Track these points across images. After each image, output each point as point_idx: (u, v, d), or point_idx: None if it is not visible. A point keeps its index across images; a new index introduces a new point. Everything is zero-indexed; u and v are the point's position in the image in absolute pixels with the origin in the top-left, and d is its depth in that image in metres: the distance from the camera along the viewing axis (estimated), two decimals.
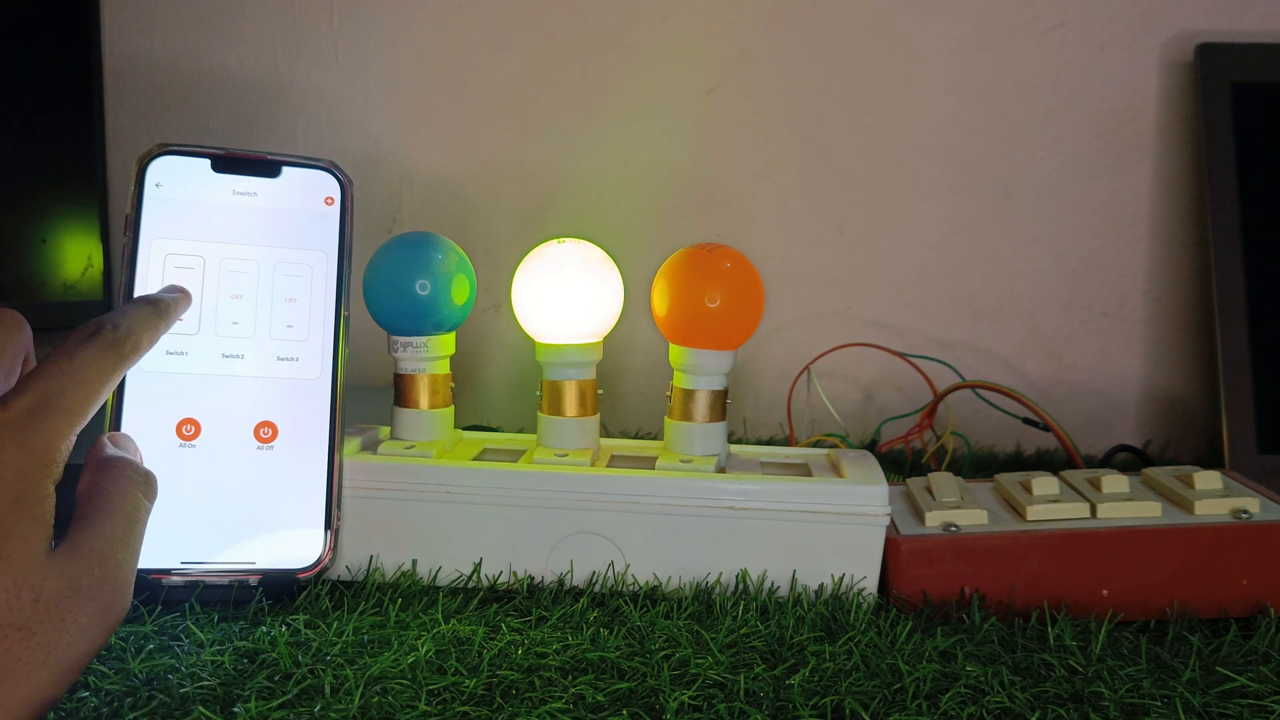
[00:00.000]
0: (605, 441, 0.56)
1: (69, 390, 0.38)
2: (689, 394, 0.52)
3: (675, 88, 0.81)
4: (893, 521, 0.49)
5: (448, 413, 0.53)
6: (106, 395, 0.39)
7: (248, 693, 0.37)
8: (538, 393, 0.53)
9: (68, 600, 0.34)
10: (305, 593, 0.47)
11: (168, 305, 0.45)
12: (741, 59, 0.80)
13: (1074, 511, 0.49)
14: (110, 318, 0.41)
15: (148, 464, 0.45)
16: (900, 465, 0.71)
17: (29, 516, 0.35)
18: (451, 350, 0.53)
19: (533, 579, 0.50)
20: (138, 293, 0.47)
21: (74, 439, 0.37)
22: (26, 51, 0.71)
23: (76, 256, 0.73)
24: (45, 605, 0.34)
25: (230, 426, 0.47)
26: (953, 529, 0.49)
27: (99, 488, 0.39)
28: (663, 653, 0.41)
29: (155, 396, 0.46)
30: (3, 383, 0.40)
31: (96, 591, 0.35)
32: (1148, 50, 0.79)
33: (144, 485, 0.40)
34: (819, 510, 0.48)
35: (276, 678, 0.39)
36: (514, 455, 0.53)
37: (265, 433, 0.47)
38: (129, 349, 0.41)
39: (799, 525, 0.48)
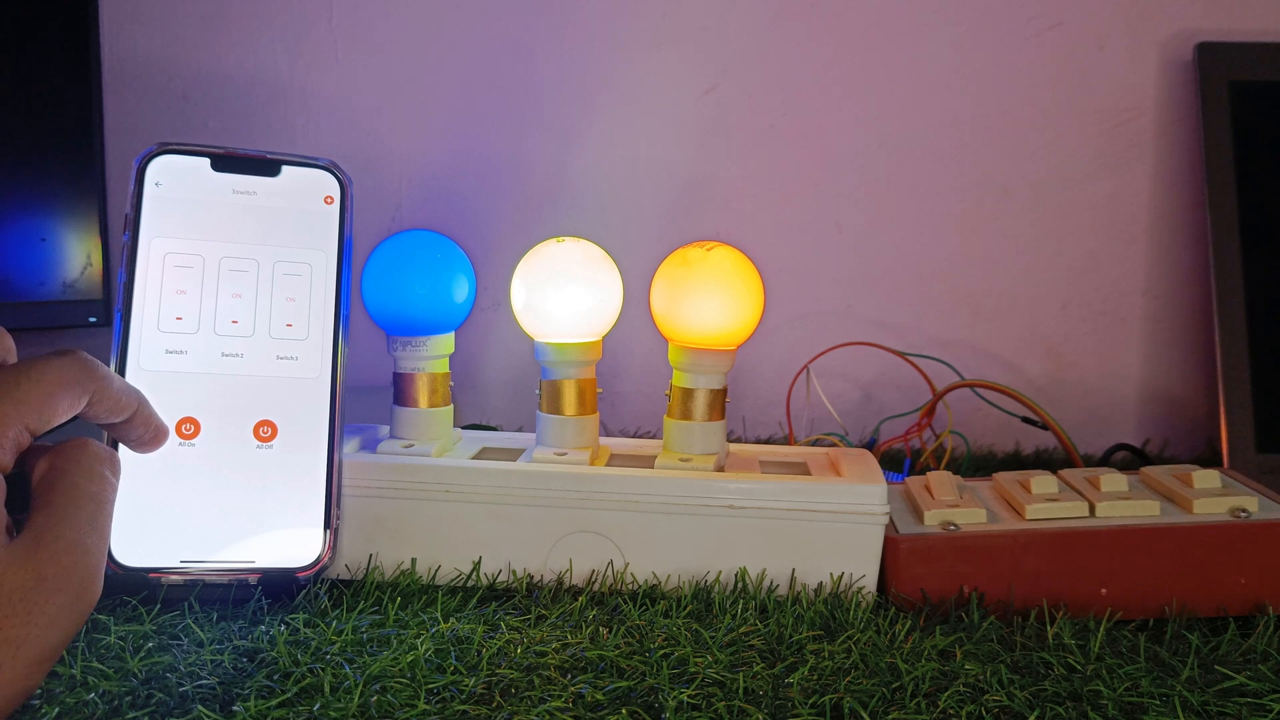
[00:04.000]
0: (605, 440, 0.56)
1: (23, 385, 0.36)
2: (688, 393, 0.52)
3: (675, 88, 0.81)
4: (891, 520, 0.49)
5: (447, 411, 0.53)
6: (67, 405, 0.38)
7: (247, 691, 0.37)
8: (537, 392, 0.53)
9: (33, 592, 0.33)
10: (304, 591, 0.47)
11: (135, 398, 0.42)
12: (741, 59, 0.80)
13: (1073, 510, 0.49)
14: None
15: (148, 462, 0.45)
16: (899, 464, 0.71)
17: None
18: (450, 349, 0.53)
19: (532, 577, 0.50)
20: (137, 291, 0.47)
21: (24, 433, 0.36)
22: (26, 50, 0.71)
23: (76, 255, 0.73)
24: (7, 598, 0.33)
25: (230, 425, 0.47)
26: (951, 528, 0.49)
27: (59, 470, 0.37)
28: (662, 651, 0.41)
29: (155, 395, 0.46)
30: None
31: (64, 580, 0.34)
32: (1146, 49, 0.79)
33: (109, 463, 0.39)
34: (818, 509, 0.48)
35: (276, 676, 0.39)
36: (513, 454, 0.53)
37: (265, 431, 0.47)
38: (100, 372, 0.39)
39: (798, 524, 0.48)
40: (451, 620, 0.44)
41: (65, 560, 0.34)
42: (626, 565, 0.49)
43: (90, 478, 0.37)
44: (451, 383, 0.54)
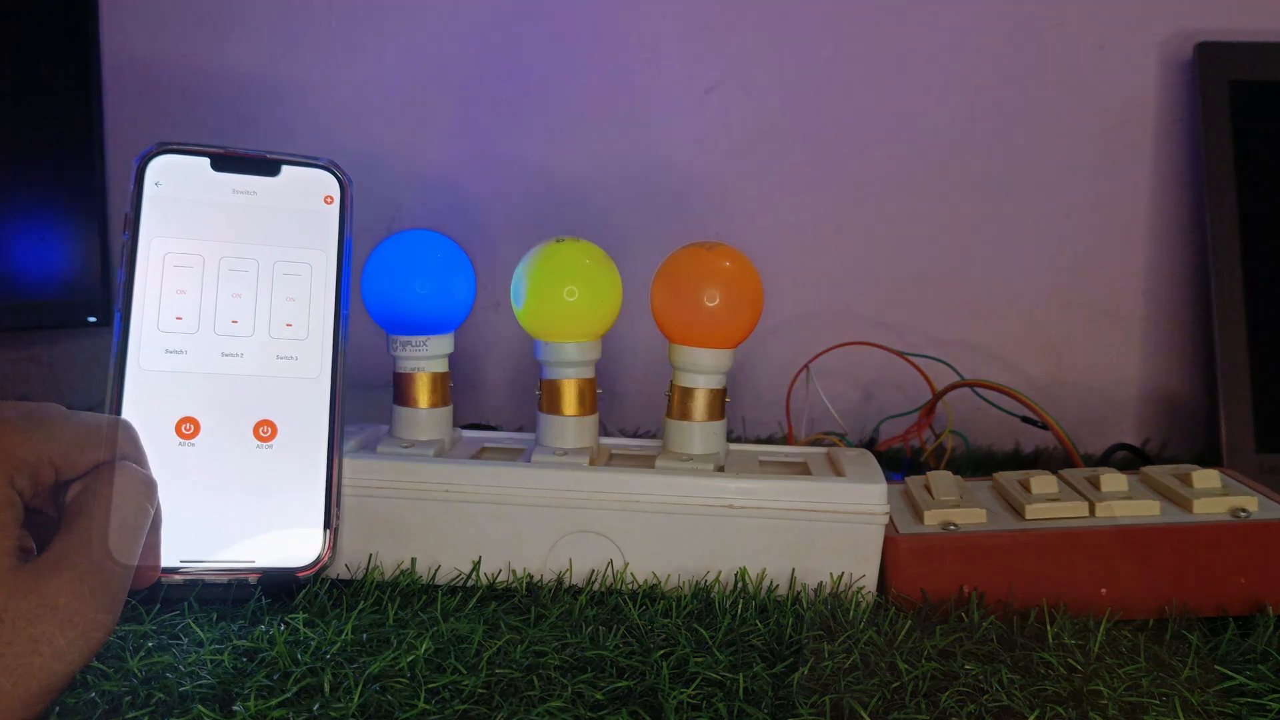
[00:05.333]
0: (604, 440, 0.56)
1: (65, 427, 0.36)
2: (688, 393, 0.52)
3: (675, 87, 0.81)
4: (891, 520, 0.49)
5: (447, 411, 0.53)
6: (95, 454, 0.37)
7: (247, 691, 0.37)
8: (537, 391, 0.53)
9: (40, 621, 0.31)
10: (304, 591, 0.47)
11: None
12: (741, 59, 0.80)
13: (1072, 510, 0.49)
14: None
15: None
16: (899, 464, 0.71)
17: None
18: (450, 349, 0.53)
19: (532, 577, 0.50)
20: (137, 291, 0.47)
21: (49, 470, 0.35)
22: (26, 50, 0.71)
23: (76, 255, 0.73)
24: (12, 626, 0.31)
25: (229, 425, 0.47)
26: (951, 528, 0.49)
27: (90, 492, 0.36)
28: (662, 651, 0.41)
29: (154, 395, 0.46)
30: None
31: (76, 611, 0.32)
32: (1146, 49, 0.79)
33: (147, 489, 0.38)
34: (818, 509, 0.48)
35: (275, 676, 0.39)
36: (513, 454, 0.53)
37: (264, 431, 0.47)
38: (129, 431, 0.39)
39: (798, 524, 0.48)
40: (451, 620, 0.44)
41: (81, 589, 0.33)
42: (626, 565, 0.49)
43: (125, 501, 0.36)
44: (451, 383, 0.54)
